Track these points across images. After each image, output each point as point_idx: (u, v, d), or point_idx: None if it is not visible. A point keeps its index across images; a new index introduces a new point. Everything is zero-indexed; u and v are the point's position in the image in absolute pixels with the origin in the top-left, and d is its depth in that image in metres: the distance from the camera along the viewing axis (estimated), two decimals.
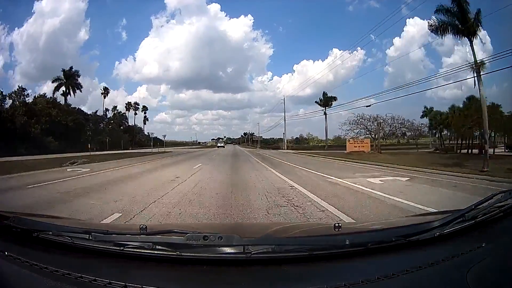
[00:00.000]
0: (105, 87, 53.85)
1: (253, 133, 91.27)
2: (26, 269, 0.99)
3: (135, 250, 1.04)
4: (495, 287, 0.90)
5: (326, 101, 45.46)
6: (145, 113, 65.42)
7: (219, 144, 70.60)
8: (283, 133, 54.70)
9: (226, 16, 63.47)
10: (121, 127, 57.67)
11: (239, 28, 64.89)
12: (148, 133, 64.28)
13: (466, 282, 0.87)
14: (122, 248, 1.04)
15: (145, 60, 65.93)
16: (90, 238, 1.08)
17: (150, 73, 69.46)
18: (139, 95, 72.32)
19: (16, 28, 48.91)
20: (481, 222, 1.13)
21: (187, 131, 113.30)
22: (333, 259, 1.05)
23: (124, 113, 60.02)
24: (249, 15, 61.40)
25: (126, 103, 62.02)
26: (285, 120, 51.51)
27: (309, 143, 71.80)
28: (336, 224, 1.30)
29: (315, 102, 46.75)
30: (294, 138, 79.93)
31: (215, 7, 62.84)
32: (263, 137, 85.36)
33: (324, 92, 45.41)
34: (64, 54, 50.56)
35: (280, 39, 66.87)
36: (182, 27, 59.88)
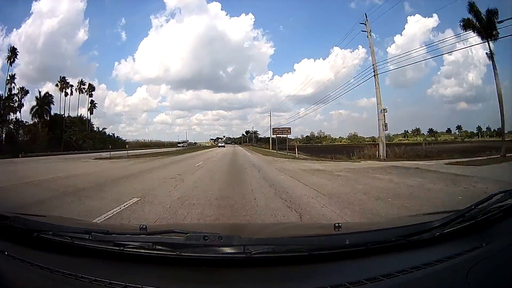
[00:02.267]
0: (12, 47, 37.48)
1: (257, 130, 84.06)
2: (26, 269, 1.00)
3: (135, 250, 1.04)
4: (495, 287, 0.90)
5: (488, 20, 17.58)
6: (90, 95, 46.18)
7: (219, 144, 69.65)
8: (380, 113, 17.97)
9: (226, 15, 62.41)
10: (43, 117, 39.06)
11: (239, 27, 63.18)
12: (97, 127, 48.40)
13: (466, 282, 0.87)
14: (122, 248, 1.04)
15: (144, 61, 63.68)
16: (90, 238, 1.08)
17: (150, 74, 68.22)
18: (139, 95, 70.47)
19: (14, 29, 47.52)
20: (481, 222, 1.13)
21: (187, 131, 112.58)
22: (333, 259, 1.05)
23: (48, 94, 40.02)
24: (250, 14, 60.04)
25: (60, 78, 42.15)
26: (377, 90, 18.35)
27: (322, 143, 65.79)
28: (336, 224, 1.30)
29: (460, 27, 19.01)
30: (305, 136, 72.12)
31: (215, 6, 62.20)
32: (261, 136, 77.76)
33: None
34: (63, 55, 49.39)
35: (281, 38, 66.01)
36: (182, 27, 58.18)
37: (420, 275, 0.92)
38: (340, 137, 73.55)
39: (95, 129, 48.55)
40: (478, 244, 1.04)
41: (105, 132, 50.81)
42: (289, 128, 29.78)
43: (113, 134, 53.39)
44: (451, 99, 56.67)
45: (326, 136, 73.14)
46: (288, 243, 1.17)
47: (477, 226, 1.13)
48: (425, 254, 1.05)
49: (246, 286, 0.95)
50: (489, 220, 1.13)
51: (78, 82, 44.69)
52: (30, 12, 48.08)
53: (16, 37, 43.02)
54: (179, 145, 66.55)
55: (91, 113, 47.72)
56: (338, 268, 1.03)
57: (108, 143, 35.42)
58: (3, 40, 40.24)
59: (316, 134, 75.16)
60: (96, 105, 48.11)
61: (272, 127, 31.52)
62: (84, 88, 45.06)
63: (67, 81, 43.28)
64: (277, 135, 30.00)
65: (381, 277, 0.90)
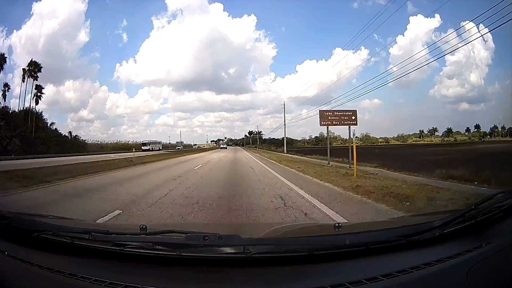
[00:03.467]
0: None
1: (261, 131, 77.67)
2: (26, 269, 1.00)
3: (135, 250, 1.04)
4: (495, 287, 0.90)
5: None
6: (35, 77, 33.33)
7: (221, 146, 69.34)
8: None
9: (229, 16, 62.23)
10: None
11: (242, 28, 62.22)
12: (46, 121, 35.23)
13: (466, 282, 0.87)
14: (122, 248, 1.04)
15: (146, 62, 63.22)
16: (90, 238, 1.08)
17: (152, 75, 67.94)
18: (141, 97, 69.01)
19: (14, 31, 46.59)
20: (481, 222, 1.13)
21: (189, 133, 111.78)
22: (333, 258, 1.05)
23: None
24: (252, 15, 59.62)
25: None
26: None
27: (333, 144, 62.13)
28: (336, 224, 1.30)
29: None
30: (314, 137, 65.57)
31: (217, 7, 62.02)
32: (265, 137, 72.16)
33: None
34: (64, 56, 48.89)
35: (283, 39, 65.71)
36: (184, 28, 57.50)
37: (420, 275, 0.92)
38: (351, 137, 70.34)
39: (45, 122, 35.64)
40: (478, 244, 1.04)
41: (56, 130, 36.96)
42: (355, 112, 14.09)
43: (70, 133, 41.18)
44: (453, 99, 56.43)
45: (336, 137, 66.58)
46: (288, 243, 1.17)
47: (477, 226, 1.13)
48: (425, 254, 1.05)
49: (246, 286, 0.95)
50: (489, 220, 1.13)
51: (27, 63, 32.06)
52: (31, 13, 47.38)
53: (16, 39, 42.37)
54: (144, 148, 43.67)
55: (37, 103, 34.18)
56: (338, 268, 1.03)
57: (54, 144, 24.71)
58: (4, 41, 39.12)
59: (325, 135, 71.00)
60: (44, 91, 34.80)
61: (320, 109, 14.69)
62: (30, 69, 32.15)
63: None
64: (330, 125, 14.12)
65: (381, 277, 0.90)
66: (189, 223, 3.92)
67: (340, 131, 76.73)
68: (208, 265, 0.99)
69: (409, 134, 68.77)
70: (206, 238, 1.01)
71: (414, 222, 1.47)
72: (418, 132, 69.08)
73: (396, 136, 68.13)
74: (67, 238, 1.11)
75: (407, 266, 0.95)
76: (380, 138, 65.59)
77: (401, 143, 61.18)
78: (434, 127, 66.61)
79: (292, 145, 51.92)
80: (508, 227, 1.11)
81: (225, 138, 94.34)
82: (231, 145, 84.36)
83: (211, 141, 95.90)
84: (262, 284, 0.97)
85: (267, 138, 72.49)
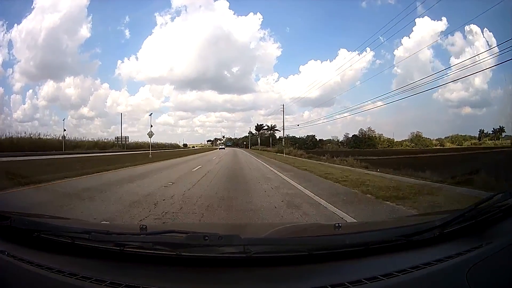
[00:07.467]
0: None
1: (275, 125, 58.95)
2: (27, 269, 1.00)
3: (135, 250, 1.04)
4: (495, 287, 0.90)
5: None
6: None
7: (220, 147, 68.98)
8: None
9: (234, 14, 59.83)
10: None
11: (247, 26, 59.22)
12: None
13: (466, 282, 0.87)
14: (122, 248, 1.04)
15: (148, 59, 61.08)
16: (90, 238, 1.08)
17: (153, 73, 65.74)
18: (142, 95, 67.62)
19: (15, 25, 45.62)
20: (481, 222, 1.13)
21: (190, 133, 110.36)
22: (333, 258, 1.05)
23: None
24: (258, 14, 56.83)
25: None
26: None
27: (377, 146, 47.71)
28: (336, 224, 1.30)
29: None
30: (351, 136, 52.05)
31: (222, 4, 60.83)
32: (278, 136, 54.98)
33: None
34: (64, 51, 47.61)
35: (288, 39, 63.35)
36: (188, 25, 55.17)
37: (420, 275, 0.92)
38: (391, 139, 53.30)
39: None
40: (478, 244, 1.04)
41: None
42: None
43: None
44: (456, 103, 53.05)
45: (379, 137, 52.84)
46: (288, 243, 1.17)
47: (477, 226, 1.13)
48: (425, 254, 1.05)
49: (246, 286, 0.95)
50: (489, 220, 1.13)
51: None
52: (32, 7, 46.67)
53: (17, 33, 41.80)
54: None
55: None
56: (338, 268, 1.03)
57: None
58: (4, 36, 39.10)
59: (366, 132, 53.11)
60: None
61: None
62: None
63: None
64: None
65: (381, 276, 0.90)
66: (189, 223, 3.92)
67: (382, 129, 62.87)
68: (208, 265, 0.99)
69: (464, 135, 54.42)
70: (206, 238, 1.01)
71: (414, 222, 1.47)
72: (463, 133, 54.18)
73: (450, 137, 54.23)
74: (68, 238, 1.11)
75: (407, 266, 0.95)
76: (434, 139, 53.25)
77: (457, 146, 49.04)
78: (501, 126, 49.84)
79: (322, 148, 43.79)
80: (508, 227, 1.11)
81: (223, 137, 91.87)
82: (229, 145, 79.69)
83: (207, 141, 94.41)
84: (262, 284, 0.97)
85: (282, 136, 61.65)
